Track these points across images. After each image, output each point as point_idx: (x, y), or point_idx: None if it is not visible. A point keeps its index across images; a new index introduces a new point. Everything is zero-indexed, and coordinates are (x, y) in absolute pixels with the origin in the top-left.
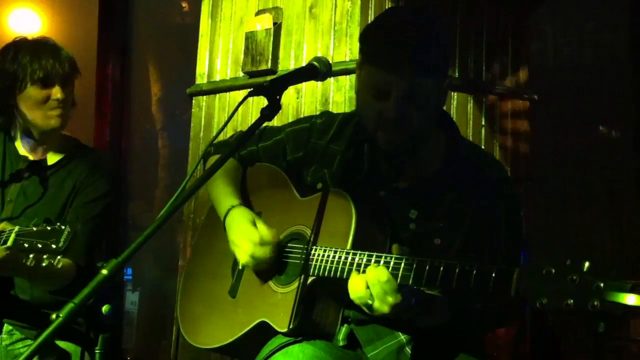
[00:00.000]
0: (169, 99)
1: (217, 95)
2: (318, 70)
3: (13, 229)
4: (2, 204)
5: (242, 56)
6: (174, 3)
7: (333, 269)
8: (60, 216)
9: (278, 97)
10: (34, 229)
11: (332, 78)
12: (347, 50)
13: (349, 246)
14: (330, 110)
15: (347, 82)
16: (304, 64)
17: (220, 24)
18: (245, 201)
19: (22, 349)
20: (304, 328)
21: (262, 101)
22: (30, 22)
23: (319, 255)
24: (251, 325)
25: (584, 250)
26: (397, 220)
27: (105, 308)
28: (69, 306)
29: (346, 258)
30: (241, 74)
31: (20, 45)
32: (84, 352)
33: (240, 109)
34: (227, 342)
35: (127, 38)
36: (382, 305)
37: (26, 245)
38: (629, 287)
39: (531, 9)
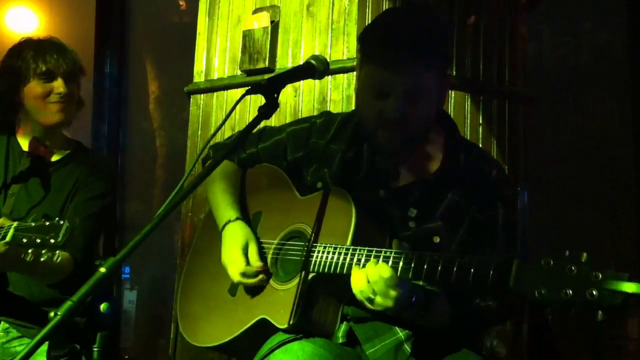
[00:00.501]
0: (167, 97)
1: (215, 93)
2: (315, 68)
3: (12, 225)
4: (5, 198)
5: (239, 54)
6: (172, 1)
7: (333, 264)
8: (61, 213)
9: (276, 95)
10: (33, 224)
11: (329, 76)
12: (345, 49)
13: (348, 244)
14: (327, 108)
15: (345, 80)
16: (301, 62)
17: (217, 22)
18: (246, 201)
19: (18, 347)
20: (303, 325)
21: (259, 99)
22: (27, 21)
23: (319, 252)
24: (251, 323)
25: (584, 250)
26: (397, 219)
27: (103, 306)
28: (67, 304)
29: (346, 254)
30: (239, 72)
31: (26, 44)
32: (82, 350)
33: (237, 107)
34: (226, 340)
35: (125, 36)
36: (386, 299)
37: (25, 240)
38: (627, 276)
39: (529, 9)
